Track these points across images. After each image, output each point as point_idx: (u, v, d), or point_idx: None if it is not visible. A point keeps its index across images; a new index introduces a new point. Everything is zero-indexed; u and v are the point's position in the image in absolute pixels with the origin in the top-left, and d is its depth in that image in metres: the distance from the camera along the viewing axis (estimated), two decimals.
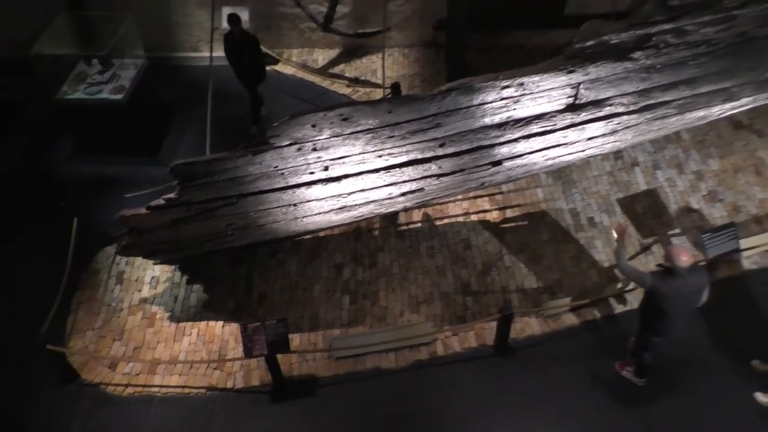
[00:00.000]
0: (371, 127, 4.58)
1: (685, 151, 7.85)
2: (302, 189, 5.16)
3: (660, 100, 4.52)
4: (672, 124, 5.06)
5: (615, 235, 5.18)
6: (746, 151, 7.81)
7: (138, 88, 7.84)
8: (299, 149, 4.69)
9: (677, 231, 7.00)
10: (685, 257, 4.71)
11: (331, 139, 4.65)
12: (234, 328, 6.28)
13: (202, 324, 6.41)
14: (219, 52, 7.65)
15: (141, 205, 5.39)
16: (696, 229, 6.87)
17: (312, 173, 5.02)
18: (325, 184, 5.14)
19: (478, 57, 9.11)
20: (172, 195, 5.06)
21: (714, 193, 7.38)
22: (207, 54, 7.94)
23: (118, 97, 7.64)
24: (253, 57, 7.70)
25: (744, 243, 6.23)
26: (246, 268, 6.87)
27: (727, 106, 4.87)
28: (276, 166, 4.88)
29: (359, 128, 4.57)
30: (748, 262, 6.67)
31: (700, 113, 4.91)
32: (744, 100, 4.77)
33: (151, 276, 6.82)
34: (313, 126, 4.50)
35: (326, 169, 4.98)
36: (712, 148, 7.85)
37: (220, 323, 6.41)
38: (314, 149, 4.75)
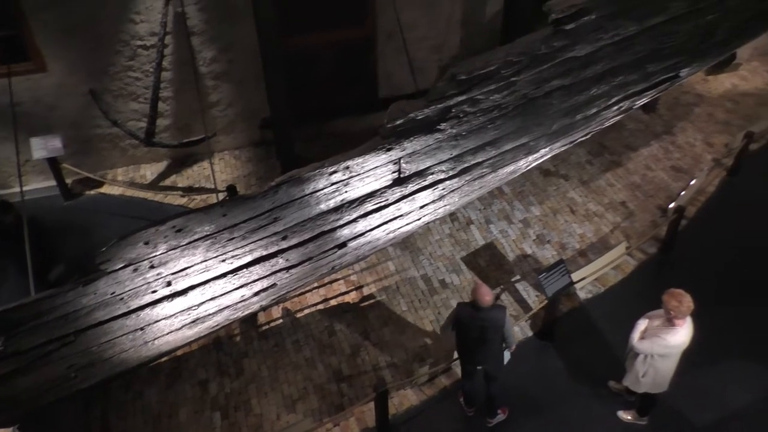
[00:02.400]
0: (208, 233, 4.50)
1: (509, 203, 8.60)
2: (147, 310, 4.86)
3: (473, 162, 4.96)
4: (489, 181, 5.55)
5: None
6: (559, 194, 8.74)
7: None
8: (135, 270, 4.46)
9: (518, 277, 7.54)
10: (488, 297, 5.32)
11: (169, 252, 4.49)
12: None
13: None
14: (31, 185, 7.15)
15: None
16: (534, 272, 7.47)
17: (155, 291, 4.77)
18: (172, 300, 4.90)
19: (308, 147, 9.41)
20: None
21: (541, 236, 8.11)
22: (18, 189, 7.38)
23: None
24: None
25: (575, 276, 6.84)
26: (100, 409, 6.24)
27: (530, 158, 5.46)
28: (113, 292, 4.58)
29: (196, 236, 4.47)
30: (583, 292, 7.34)
31: (510, 168, 5.44)
32: (542, 151, 5.39)
33: None
34: (146, 243, 4.33)
35: (169, 284, 4.76)
36: (531, 197, 8.69)
37: None
38: (152, 266, 4.54)
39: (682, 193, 8.19)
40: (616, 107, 5.29)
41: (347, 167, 4.44)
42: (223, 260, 4.76)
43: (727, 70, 11.13)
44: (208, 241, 4.59)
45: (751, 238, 8.01)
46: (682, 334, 5.34)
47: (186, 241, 4.48)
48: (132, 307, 4.76)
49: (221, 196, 8.22)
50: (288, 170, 4.62)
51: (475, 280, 5.74)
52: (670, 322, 5.33)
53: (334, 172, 4.43)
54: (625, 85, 4.94)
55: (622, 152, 9.46)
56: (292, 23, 8.64)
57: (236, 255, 4.77)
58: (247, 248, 4.80)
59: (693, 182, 8.30)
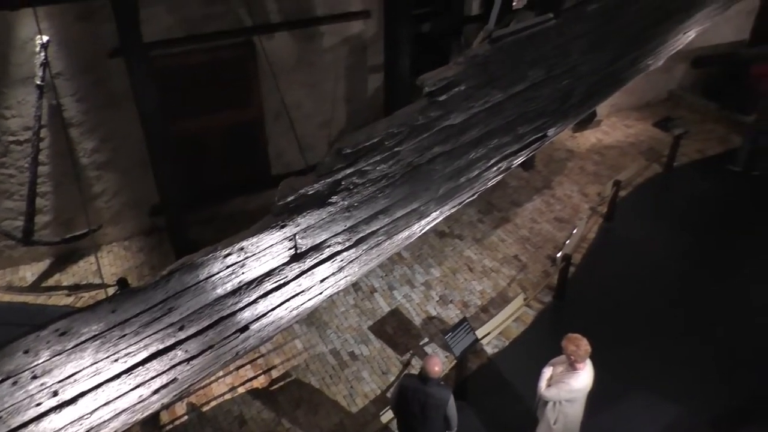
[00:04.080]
0: (97, 332, 4.20)
1: (410, 267, 8.76)
2: (32, 427, 4.40)
3: (368, 231, 5.03)
4: (387, 249, 5.64)
5: None
6: (455, 254, 9.03)
7: None
8: (15, 383, 4.06)
9: (426, 340, 7.61)
10: (437, 368, 5.32)
11: (53, 359, 4.14)
12: None
13: None
14: None
15: None
16: (440, 333, 7.57)
17: (39, 404, 4.34)
18: (60, 411, 4.47)
19: (203, 231, 9.20)
20: None
21: (444, 296, 8.29)
22: None
23: None
24: None
25: (480, 332, 7.01)
26: None
27: (423, 222, 5.63)
28: None
29: (83, 338, 4.16)
30: (489, 347, 7.51)
31: (405, 234, 5.57)
32: (433, 215, 5.58)
33: None
34: (26, 352, 3.97)
35: (56, 394, 4.36)
36: (430, 259, 8.91)
37: None
38: (35, 377, 4.15)
39: (567, 241, 8.73)
40: (495, 168, 5.61)
41: (242, 248, 4.36)
42: (116, 360, 4.45)
43: (591, 127, 12.22)
44: (98, 342, 4.28)
45: (631, 276, 8.62)
46: (584, 377, 5.56)
47: (72, 344, 4.16)
48: (13, 426, 4.29)
49: (111, 290, 7.78)
50: (183, 256, 4.47)
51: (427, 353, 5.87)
52: (572, 366, 5.55)
53: (229, 254, 4.32)
54: (500, 147, 5.28)
55: (509, 208, 10.00)
56: (177, 107, 8.60)
57: (130, 352, 4.48)
58: (141, 344, 4.52)
59: (575, 231, 8.88)
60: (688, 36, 6.65)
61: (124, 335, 4.36)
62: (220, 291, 4.56)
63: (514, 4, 9.42)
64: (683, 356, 7.43)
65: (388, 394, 6.85)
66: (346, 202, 4.53)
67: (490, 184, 6.10)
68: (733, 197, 10.44)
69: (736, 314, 8.03)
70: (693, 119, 12.33)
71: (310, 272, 5.08)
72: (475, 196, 6.20)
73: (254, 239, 4.47)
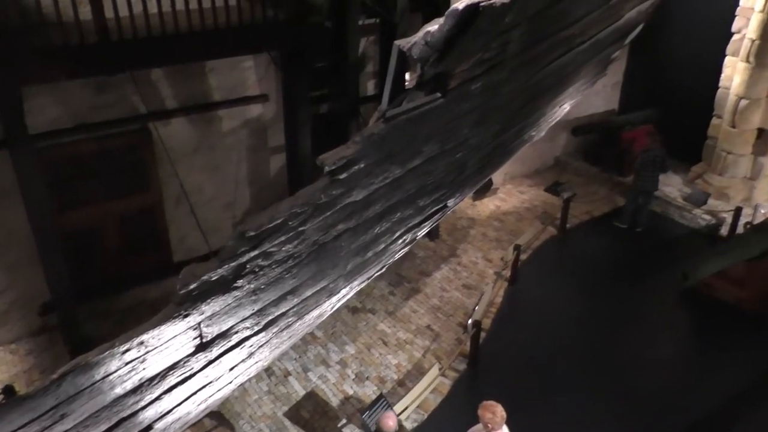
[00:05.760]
0: None
1: (324, 347, 8.60)
2: None
3: (277, 313, 4.93)
4: (298, 329, 5.53)
5: None
6: (369, 328, 8.98)
7: None
8: None
9: (344, 421, 7.40)
10: (391, 422, 5.63)
11: None
12: None
13: None
14: None
15: None
16: (358, 412, 7.39)
17: None
18: None
19: (100, 325, 8.65)
20: None
21: (360, 373, 8.16)
22: None
23: None
24: None
25: (398, 407, 6.91)
26: None
27: (333, 299, 5.60)
28: None
29: None
30: (408, 422, 7.39)
31: (316, 313, 5.51)
32: (343, 291, 5.57)
33: None
34: None
35: None
36: (344, 336, 8.80)
37: None
38: None
39: (476, 308, 8.92)
40: (401, 240, 5.73)
41: (142, 342, 4.11)
42: None
43: (489, 195, 12.83)
44: None
45: (539, 336, 8.90)
46: None
47: None
48: None
49: None
50: (77, 356, 4.15)
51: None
52: None
53: (128, 350, 4.06)
54: (403, 220, 5.42)
55: (419, 279, 10.15)
56: (68, 197, 8.21)
57: None
58: None
59: (483, 297, 9.11)
60: (563, 108, 7.26)
61: None
62: (119, 390, 4.25)
63: (406, 84, 9.93)
64: (594, 411, 7.65)
65: None
66: (252, 286, 4.43)
67: (397, 256, 6.21)
68: (621, 252, 11.19)
69: (637, 364, 8.43)
70: (579, 182, 13.25)
71: (217, 361, 4.86)
72: (383, 269, 6.27)
73: (155, 331, 4.24)
